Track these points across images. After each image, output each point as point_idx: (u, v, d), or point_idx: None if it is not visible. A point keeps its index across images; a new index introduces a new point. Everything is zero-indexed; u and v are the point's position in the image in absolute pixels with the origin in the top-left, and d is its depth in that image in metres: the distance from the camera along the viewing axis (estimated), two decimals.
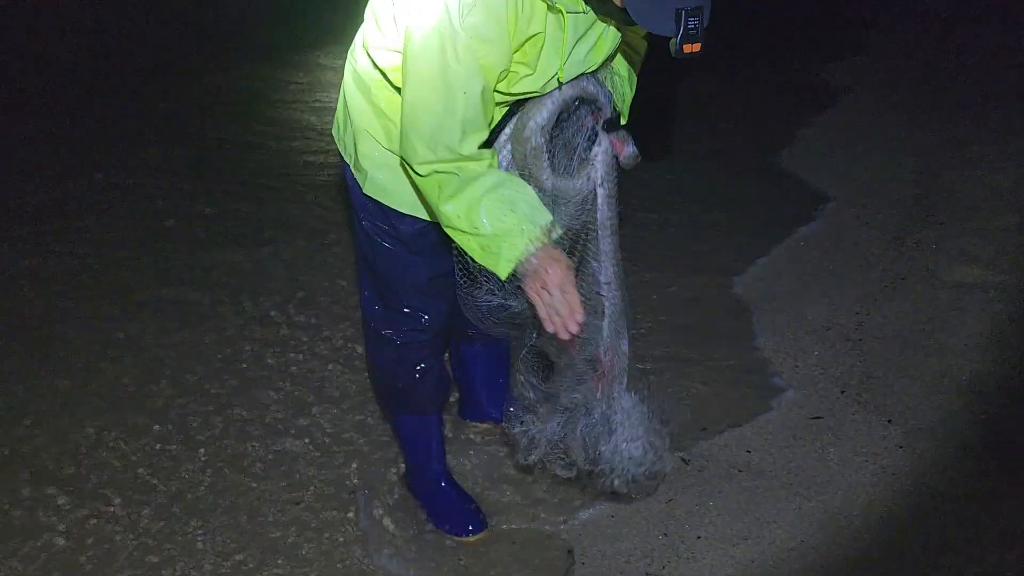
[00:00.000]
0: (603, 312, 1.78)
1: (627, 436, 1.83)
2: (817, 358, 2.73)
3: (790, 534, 2.11)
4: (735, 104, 4.84)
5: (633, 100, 1.90)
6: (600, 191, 1.71)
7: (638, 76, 1.89)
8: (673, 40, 1.38)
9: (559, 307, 1.56)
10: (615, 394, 1.84)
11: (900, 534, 2.09)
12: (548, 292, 1.55)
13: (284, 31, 5.80)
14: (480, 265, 1.60)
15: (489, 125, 1.60)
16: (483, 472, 2.33)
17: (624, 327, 1.82)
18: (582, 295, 1.62)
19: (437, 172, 1.55)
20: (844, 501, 2.19)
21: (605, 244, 1.75)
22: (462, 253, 1.63)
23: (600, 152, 1.69)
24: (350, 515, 2.18)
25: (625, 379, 1.84)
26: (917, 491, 2.21)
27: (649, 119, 2.01)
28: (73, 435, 2.41)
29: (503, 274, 1.57)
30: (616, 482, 1.86)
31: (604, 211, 1.73)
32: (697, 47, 1.39)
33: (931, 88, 4.80)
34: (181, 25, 5.76)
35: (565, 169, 1.70)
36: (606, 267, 1.76)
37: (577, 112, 1.68)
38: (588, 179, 1.70)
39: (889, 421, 2.45)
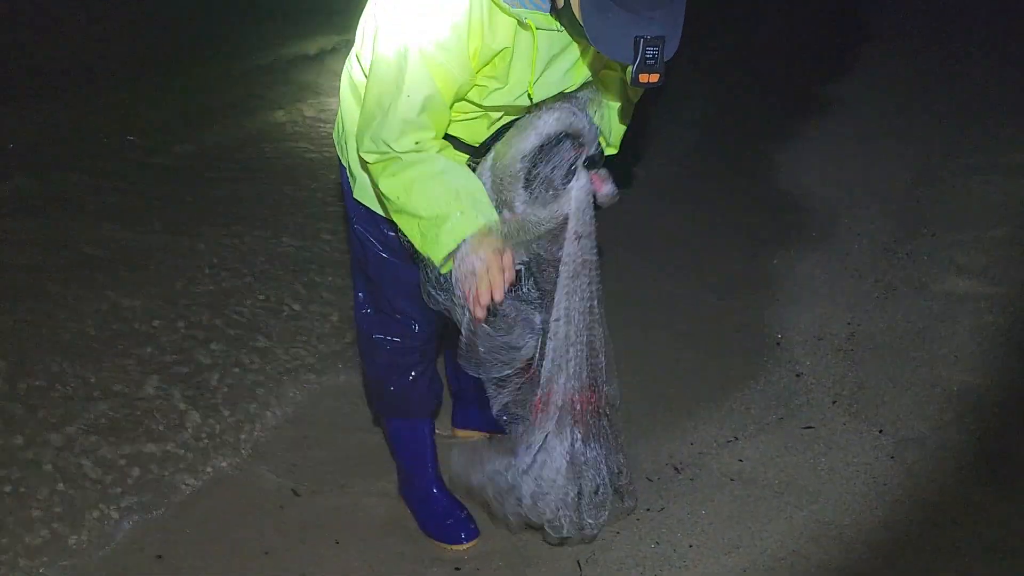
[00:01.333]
0: (545, 344, 1.78)
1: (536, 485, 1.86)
2: (809, 367, 2.73)
3: (781, 543, 2.11)
4: (729, 113, 4.86)
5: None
6: (570, 225, 1.71)
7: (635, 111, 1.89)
8: (630, 67, 1.35)
9: (482, 287, 1.55)
10: (542, 432, 1.84)
11: (891, 544, 2.09)
12: (475, 275, 1.55)
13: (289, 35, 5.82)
14: (423, 256, 1.62)
15: (441, 130, 1.61)
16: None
17: (568, 367, 1.79)
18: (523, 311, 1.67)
19: (380, 160, 1.58)
20: (835, 511, 2.19)
21: (566, 280, 1.74)
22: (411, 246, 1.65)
23: (576, 187, 1.69)
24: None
25: (563, 422, 1.84)
26: (908, 501, 2.21)
27: (640, 126, 2.01)
28: None
29: (438, 259, 1.58)
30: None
31: (570, 246, 1.72)
32: (655, 78, 1.36)
33: (923, 100, 4.83)
34: (181, 21, 5.78)
35: (541, 200, 1.70)
36: (559, 302, 1.75)
37: (560, 145, 1.68)
38: (561, 211, 1.70)
39: (880, 431, 2.45)
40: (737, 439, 2.46)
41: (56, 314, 2.83)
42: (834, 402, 2.58)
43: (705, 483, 2.30)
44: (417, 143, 1.56)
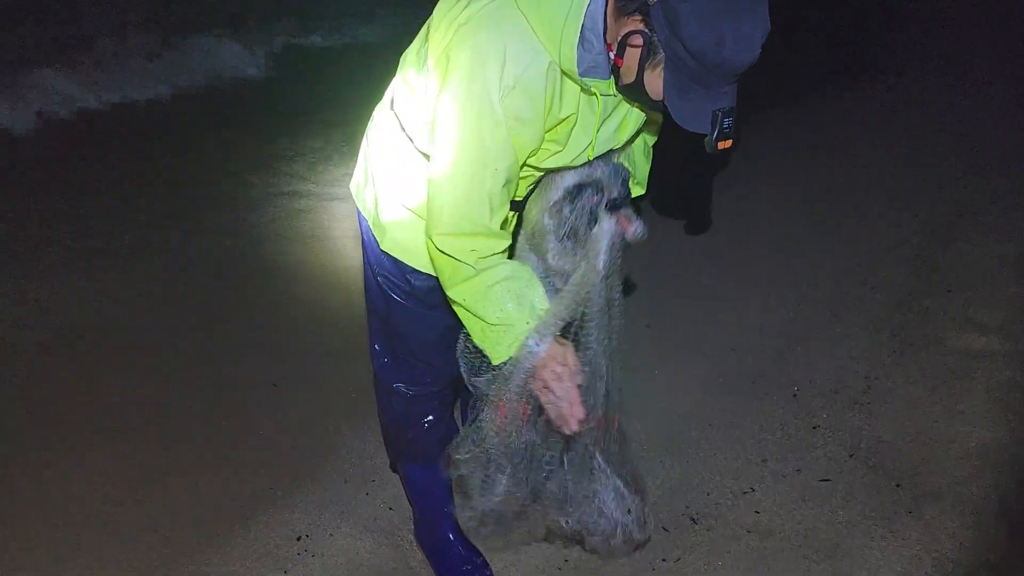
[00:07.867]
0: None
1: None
2: (826, 420, 2.73)
3: None
4: (740, 163, 4.87)
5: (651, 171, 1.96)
6: (597, 268, 1.75)
7: (655, 145, 1.94)
8: (708, 138, 1.43)
9: (562, 406, 1.59)
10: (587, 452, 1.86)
11: None
12: (551, 391, 1.59)
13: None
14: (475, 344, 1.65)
15: (511, 199, 1.65)
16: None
17: (599, 395, 1.83)
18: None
19: (454, 257, 1.59)
20: (852, 565, 2.18)
21: (594, 317, 1.77)
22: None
23: (601, 232, 1.73)
24: None
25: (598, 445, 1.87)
26: (925, 556, 2.20)
27: (657, 181, 2.06)
28: None
29: (495, 361, 1.62)
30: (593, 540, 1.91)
31: (597, 287, 1.75)
32: (729, 143, 1.44)
33: (940, 154, 4.84)
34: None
35: (571, 248, 1.75)
36: (587, 337, 1.78)
37: (581, 195, 1.73)
38: (588, 256, 1.74)
39: (898, 485, 2.44)
40: (754, 490, 2.45)
41: None
42: (851, 455, 2.57)
43: (722, 534, 2.29)
44: (501, 226, 1.60)
